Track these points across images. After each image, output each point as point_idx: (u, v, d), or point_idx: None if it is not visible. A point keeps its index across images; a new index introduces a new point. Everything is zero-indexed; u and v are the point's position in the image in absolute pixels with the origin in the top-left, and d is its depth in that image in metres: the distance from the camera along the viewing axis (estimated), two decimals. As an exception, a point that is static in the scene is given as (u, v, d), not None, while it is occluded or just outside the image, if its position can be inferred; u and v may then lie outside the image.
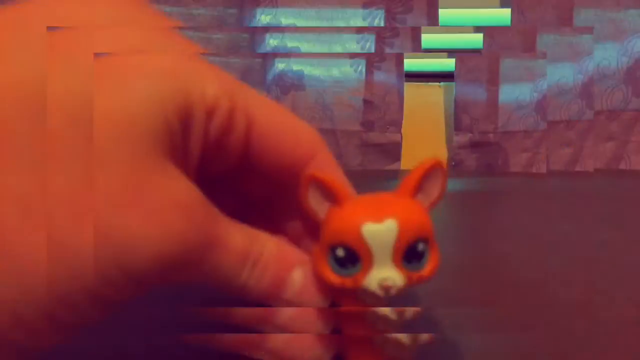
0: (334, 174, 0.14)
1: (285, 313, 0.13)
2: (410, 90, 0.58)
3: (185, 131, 0.12)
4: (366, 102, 0.57)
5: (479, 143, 0.57)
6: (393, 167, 0.57)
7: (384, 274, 0.12)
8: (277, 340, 0.13)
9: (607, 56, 0.54)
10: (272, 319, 0.13)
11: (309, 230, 0.16)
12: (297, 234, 0.16)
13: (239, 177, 0.16)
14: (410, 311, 0.13)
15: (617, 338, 0.15)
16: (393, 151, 0.57)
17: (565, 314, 0.17)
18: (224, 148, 0.14)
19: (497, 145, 0.56)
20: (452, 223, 0.33)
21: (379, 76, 0.57)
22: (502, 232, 0.30)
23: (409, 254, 0.13)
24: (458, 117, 0.58)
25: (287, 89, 0.58)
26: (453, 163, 0.58)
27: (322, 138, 0.15)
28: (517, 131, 0.56)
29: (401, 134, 0.57)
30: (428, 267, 0.13)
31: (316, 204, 0.14)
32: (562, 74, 0.55)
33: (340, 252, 0.13)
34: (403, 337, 0.13)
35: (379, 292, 0.12)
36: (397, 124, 0.57)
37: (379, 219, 0.12)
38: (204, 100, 0.12)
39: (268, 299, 0.13)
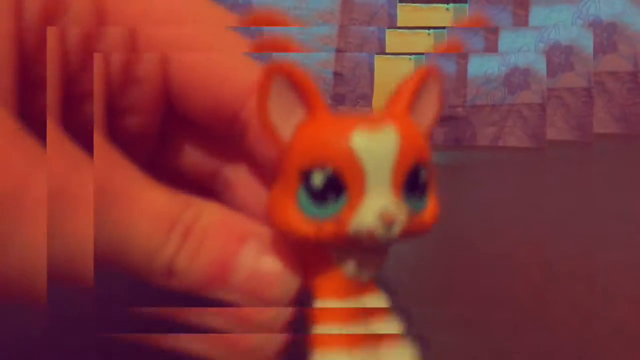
0: None
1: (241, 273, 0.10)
2: (381, 63, 0.57)
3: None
4: (336, 74, 0.56)
5: (448, 117, 0.58)
6: (363, 141, 0.57)
7: (382, 202, 0.09)
8: (240, 274, 0.10)
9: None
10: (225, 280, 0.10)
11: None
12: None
13: (173, 144, 0.13)
14: (398, 227, 0.09)
15: (583, 303, 0.15)
16: (363, 125, 0.57)
17: (531, 284, 0.17)
18: (135, 90, 0.11)
19: (465, 120, 0.57)
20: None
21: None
22: (470, 204, 0.30)
23: (411, 182, 0.09)
24: (428, 91, 0.58)
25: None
26: (422, 137, 0.58)
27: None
28: (484, 105, 0.57)
29: (372, 108, 0.57)
30: (429, 211, 0.10)
31: (280, 116, 0.09)
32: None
33: (317, 179, 0.09)
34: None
35: (378, 228, 0.09)
36: (367, 98, 0.57)
37: (373, 126, 0.09)
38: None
39: (208, 285, 0.10)
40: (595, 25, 0.54)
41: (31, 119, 0.09)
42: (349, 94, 0.57)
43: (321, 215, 0.09)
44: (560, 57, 0.55)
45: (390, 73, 0.60)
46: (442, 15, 0.59)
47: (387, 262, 0.10)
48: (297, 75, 0.09)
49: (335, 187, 0.09)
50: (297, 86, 0.09)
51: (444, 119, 0.58)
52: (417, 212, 0.09)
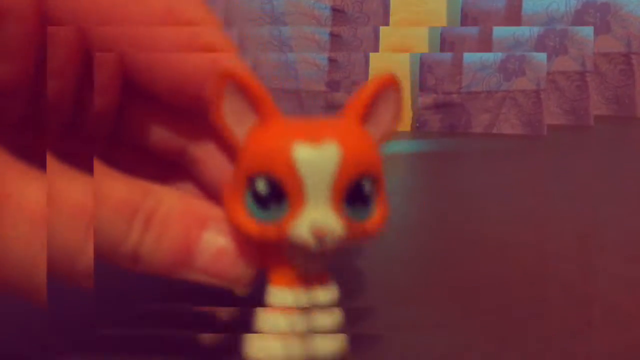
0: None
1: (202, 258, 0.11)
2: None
3: None
4: (331, 60, 0.56)
5: (443, 104, 0.57)
6: (359, 128, 0.57)
7: (317, 215, 0.09)
8: (203, 257, 0.11)
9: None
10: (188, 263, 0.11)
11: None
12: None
13: (137, 122, 0.13)
14: (331, 240, 0.09)
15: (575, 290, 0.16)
16: (358, 112, 0.57)
17: (524, 269, 0.18)
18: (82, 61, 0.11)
19: (460, 106, 0.57)
20: (415, 184, 0.33)
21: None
22: (463, 192, 0.30)
23: (352, 194, 0.10)
24: (423, 77, 0.57)
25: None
26: (417, 124, 0.58)
27: (227, 38, 0.12)
28: (479, 92, 0.56)
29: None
30: (374, 219, 0.10)
31: (234, 119, 0.10)
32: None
33: (260, 186, 0.10)
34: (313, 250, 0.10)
35: (310, 242, 0.09)
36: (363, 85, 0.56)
37: (315, 140, 0.09)
38: None
39: (173, 269, 0.10)
40: (589, 6, 0.54)
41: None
42: (344, 80, 0.56)
43: (265, 218, 0.10)
44: (554, 40, 0.55)
45: (385, 60, 0.59)
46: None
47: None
48: (247, 82, 0.10)
49: (277, 195, 0.10)
50: (248, 93, 0.10)
51: (439, 106, 0.57)
52: (360, 221, 0.10)
